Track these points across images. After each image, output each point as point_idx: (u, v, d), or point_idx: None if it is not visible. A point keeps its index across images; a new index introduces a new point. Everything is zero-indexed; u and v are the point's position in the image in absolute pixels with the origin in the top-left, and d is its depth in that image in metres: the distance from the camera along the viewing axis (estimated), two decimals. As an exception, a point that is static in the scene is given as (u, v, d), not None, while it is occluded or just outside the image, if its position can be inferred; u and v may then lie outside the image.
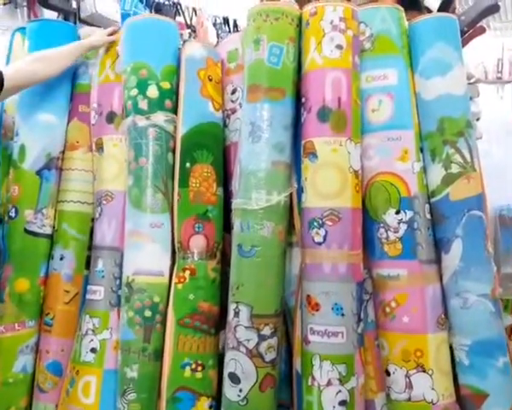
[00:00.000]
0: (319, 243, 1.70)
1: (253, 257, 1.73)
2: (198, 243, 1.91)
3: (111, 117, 2.05)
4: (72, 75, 2.14)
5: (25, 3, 4.61)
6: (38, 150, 2.08)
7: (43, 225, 2.08)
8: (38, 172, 2.09)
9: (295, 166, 1.83)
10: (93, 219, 2.08)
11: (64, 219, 2.09)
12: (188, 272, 1.89)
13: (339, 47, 1.74)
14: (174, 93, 1.95)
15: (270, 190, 1.74)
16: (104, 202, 1.98)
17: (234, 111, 2.04)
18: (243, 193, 1.76)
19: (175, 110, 1.97)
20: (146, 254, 1.90)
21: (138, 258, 1.90)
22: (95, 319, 1.92)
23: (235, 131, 2.00)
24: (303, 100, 1.79)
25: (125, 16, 2.97)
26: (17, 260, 2.05)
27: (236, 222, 1.78)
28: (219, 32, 4.79)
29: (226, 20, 4.77)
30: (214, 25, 4.65)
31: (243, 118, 1.82)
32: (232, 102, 2.05)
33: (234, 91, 2.06)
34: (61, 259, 2.06)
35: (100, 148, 2.04)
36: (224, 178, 2.02)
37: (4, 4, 3.57)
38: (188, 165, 1.94)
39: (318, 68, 1.75)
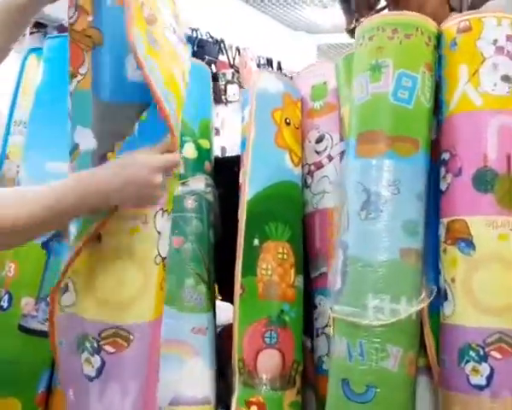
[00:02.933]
0: (480, 388, 1.07)
1: (369, 403, 1.09)
2: (270, 362, 1.30)
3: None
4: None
5: (55, 32, 4.13)
6: (46, 213, 1.47)
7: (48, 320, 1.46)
8: (44, 245, 1.48)
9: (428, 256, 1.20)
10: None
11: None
12: (254, 409, 1.25)
13: (506, 79, 1.13)
14: (213, 154, 1.53)
15: (396, 296, 1.12)
16: (110, 348, 1.00)
17: (319, 166, 1.47)
18: (351, 297, 1.14)
19: (213, 175, 1.48)
20: (188, 373, 1.32)
21: (178, 380, 1.30)
22: None
23: (322, 194, 1.44)
24: (444, 156, 1.18)
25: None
26: (6, 370, 1.42)
27: (340, 341, 1.15)
28: (263, 73, 4.40)
29: (270, 62, 4.39)
30: (258, 65, 4.27)
31: (349, 180, 1.20)
32: (317, 153, 1.48)
33: (320, 139, 1.49)
34: (73, 368, 1.41)
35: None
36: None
37: (31, 33, 3.01)
38: (256, 243, 1.36)
39: (475, 110, 1.14)
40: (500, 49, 1.14)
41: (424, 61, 1.19)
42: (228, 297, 1.49)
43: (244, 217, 1.37)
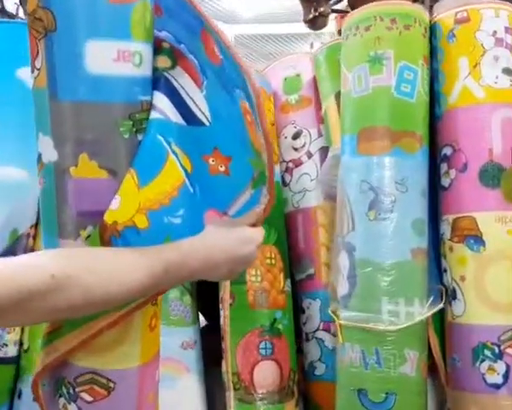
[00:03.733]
0: (496, 386, 1.05)
1: (389, 412, 1.04)
2: (267, 375, 1.22)
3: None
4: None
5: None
6: (-1, 225, 1.29)
7: (4, 344, 1.29)
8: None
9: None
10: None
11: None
12: (253, 426, 1.18)
13: (507, 72, 1.12)
14: None
15: (410, 298, 1.08)
16: (87, 396, 0.78)
17: (298, 164, 1.40)
18: (363, 302, 1.08)
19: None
20: (181, 391, 1.21)
21: (172, 399, 1.17)
22: None
23: (303, 192, 1.37)
24: (446, 151, 1.15)
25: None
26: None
27: (351, 349, 1.09)
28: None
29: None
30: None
31: (351, 179, 1.15)
32: (295, 150, 1.41)
33: (298, 135, 1.42)
34: (34, 398, 1.25)
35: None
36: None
37: None
38: None
39: (477, 104, 1.12)
40: (500, 41, 1.12)
41: (422, 53, 1.15)
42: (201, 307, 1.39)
43: (230, 222, 1.27)
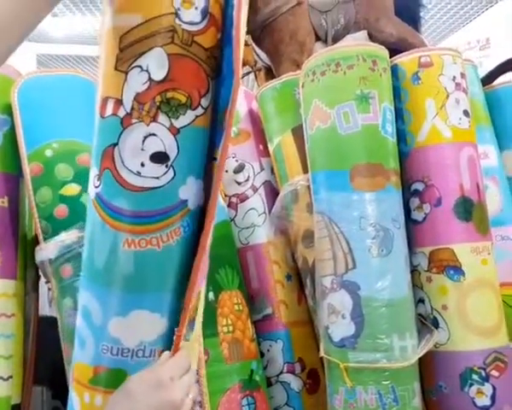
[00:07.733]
0: (486, 408, 1.13)
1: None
2: (254, 434, 1.12)
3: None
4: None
5: None
6: None
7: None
8: None
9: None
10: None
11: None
12: None
13: (466, 114, 1.22)
14: None
15: (412, 332, 1.11)
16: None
17: (244, 198, 1.36)
18: (374, 341, 1.07)
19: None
20: None
21: None
22: None
23: (252, 228, 1.33)
24: (417, 187, 1.21)
25: None
26: None
27: (365, 391, 1.07)
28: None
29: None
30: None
31: (346, 215, 1.13)
32: (238, 184, 1.37)
33: (240, 169, 1.38)
34: None
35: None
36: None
37: None
38: (211, 296, 1.18)
39: (446, 142, 1.20)
40: (458, 85, 1.22)
41: (391, 94, 1.20)
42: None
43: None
